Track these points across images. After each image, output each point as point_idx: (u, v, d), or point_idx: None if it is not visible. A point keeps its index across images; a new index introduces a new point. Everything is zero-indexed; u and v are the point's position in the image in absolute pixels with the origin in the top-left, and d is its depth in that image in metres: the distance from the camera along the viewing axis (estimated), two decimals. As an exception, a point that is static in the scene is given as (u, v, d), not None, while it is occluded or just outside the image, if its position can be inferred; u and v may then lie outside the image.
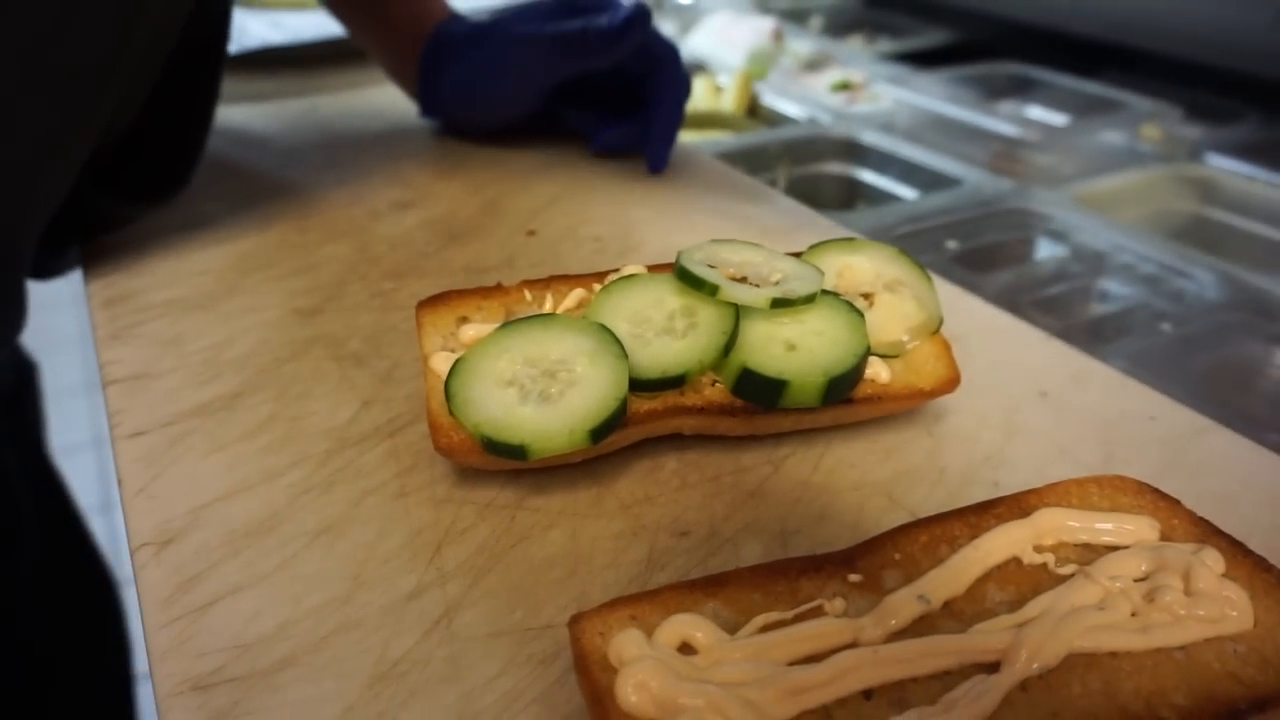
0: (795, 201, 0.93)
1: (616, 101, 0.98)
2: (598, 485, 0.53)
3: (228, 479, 0.52)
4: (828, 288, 0.58)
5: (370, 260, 0.77)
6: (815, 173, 1.32)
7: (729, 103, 1.48)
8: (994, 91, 1.49)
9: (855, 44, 1.84)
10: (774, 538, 0.50)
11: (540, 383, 0.50)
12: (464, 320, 0.57)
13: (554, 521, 0.50)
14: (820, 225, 0.87)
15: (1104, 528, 0.45)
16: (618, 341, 0.52)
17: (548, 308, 0.57)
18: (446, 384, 0.50)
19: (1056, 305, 0.91)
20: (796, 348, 0.53)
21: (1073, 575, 0.42)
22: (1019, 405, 0.61)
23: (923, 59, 1.71)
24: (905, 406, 0.57)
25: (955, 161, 1.19)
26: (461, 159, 0.98)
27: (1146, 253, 0.97)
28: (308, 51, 1.26)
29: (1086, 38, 1.57)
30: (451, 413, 0.49)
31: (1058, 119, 1.41)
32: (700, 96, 1.51)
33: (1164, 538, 0.45)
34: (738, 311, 0.54)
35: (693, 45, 1.73)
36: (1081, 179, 1.17)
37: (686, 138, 1.36)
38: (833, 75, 1.60)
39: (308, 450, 0.54)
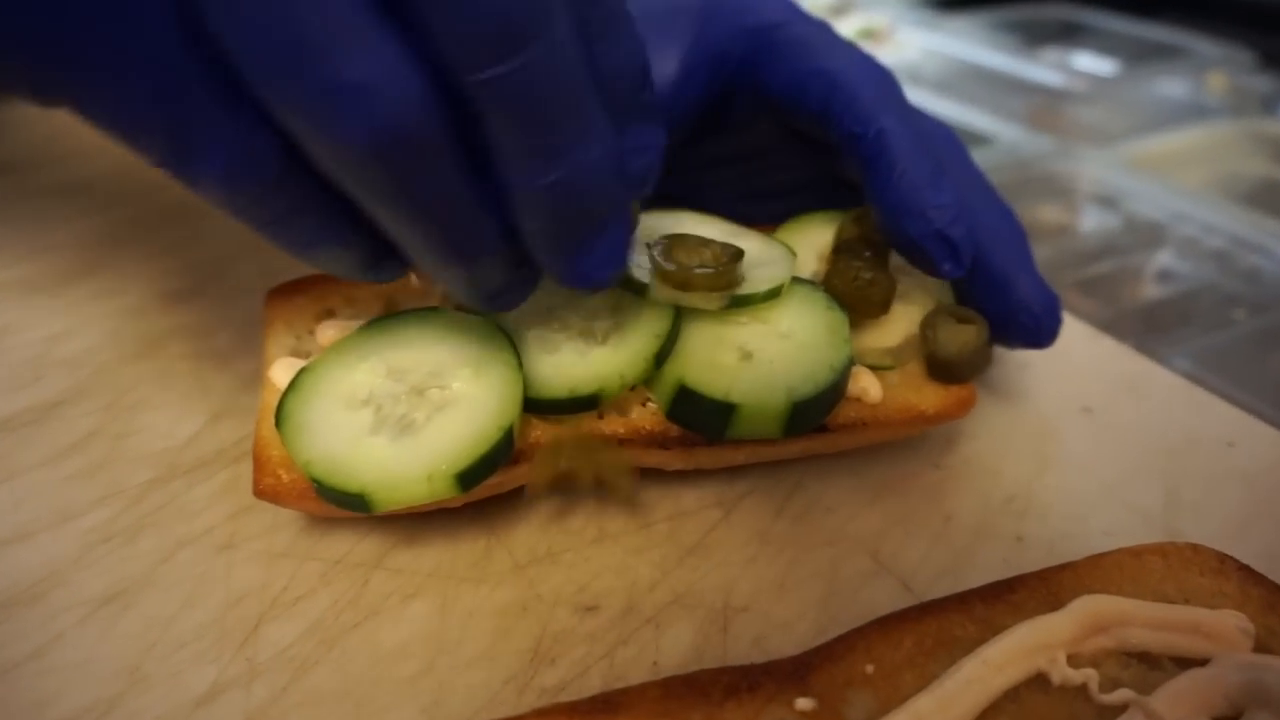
0: (792, 161, 0.78)
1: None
2: (487, 534, 0.40)
3: (7, 521, 0.40)
4: (804, 275, 0.44)
5: (270, 231, 0.64)
6: (830, 130, 1.16)
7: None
8: (1036, 37, 1.32)
9: (882, -14, 1.67)
10: (712, 617, 0.37)
11: (404, 404, 0.37)
12: (328, 315, 0.44)
13: (420, 587, 0.38)
14: (820, 190, 0.73)
15: (1170, 630, 0.31)
16: (511, 346, 0.39)
17: (438, 298, 0.44)
18: (280, 403, 0.38)
19: (1103, 287, 0.76)
20: (753, 356, 0.39)
21: (1127, 709, 0.29)
22: (1054, 426, 0.47)
23: (959, 3, 1.53)
24: (898, 435, 0.44)
25: (988, 116, 1.03)
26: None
27: (1213, 222, 0.81)
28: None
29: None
30: (284, 443, 0.37)
31: (1108, 67, 1.24)
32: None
33: (1259, 646, 0.31)
34: (678, 310, 0.40)
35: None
36: (1135, 136, 1.01)
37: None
38: (855, 22, 1.44)
39: (123, 481, 0.42)
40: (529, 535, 0.40)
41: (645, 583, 0.38)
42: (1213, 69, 1.15)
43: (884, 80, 0.45)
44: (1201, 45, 1.21)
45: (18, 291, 0.56)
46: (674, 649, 0.35)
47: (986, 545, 0.40)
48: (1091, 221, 0.87)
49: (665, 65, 0.46)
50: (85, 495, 0.42)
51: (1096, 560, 0.34)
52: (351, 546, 0.39)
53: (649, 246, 0.41)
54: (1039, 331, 0.43)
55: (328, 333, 0.42)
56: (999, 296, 0.43)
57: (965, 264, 0.41)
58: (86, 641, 0.35)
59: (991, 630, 0.32)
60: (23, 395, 0.48)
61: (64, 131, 0.78)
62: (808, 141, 0.48)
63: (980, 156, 0.95)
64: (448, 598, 0.37)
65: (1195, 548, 0.34)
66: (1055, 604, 0.32)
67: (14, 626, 0.35)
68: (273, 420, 0.37)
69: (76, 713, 0.32)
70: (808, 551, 0.40)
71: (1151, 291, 0.77)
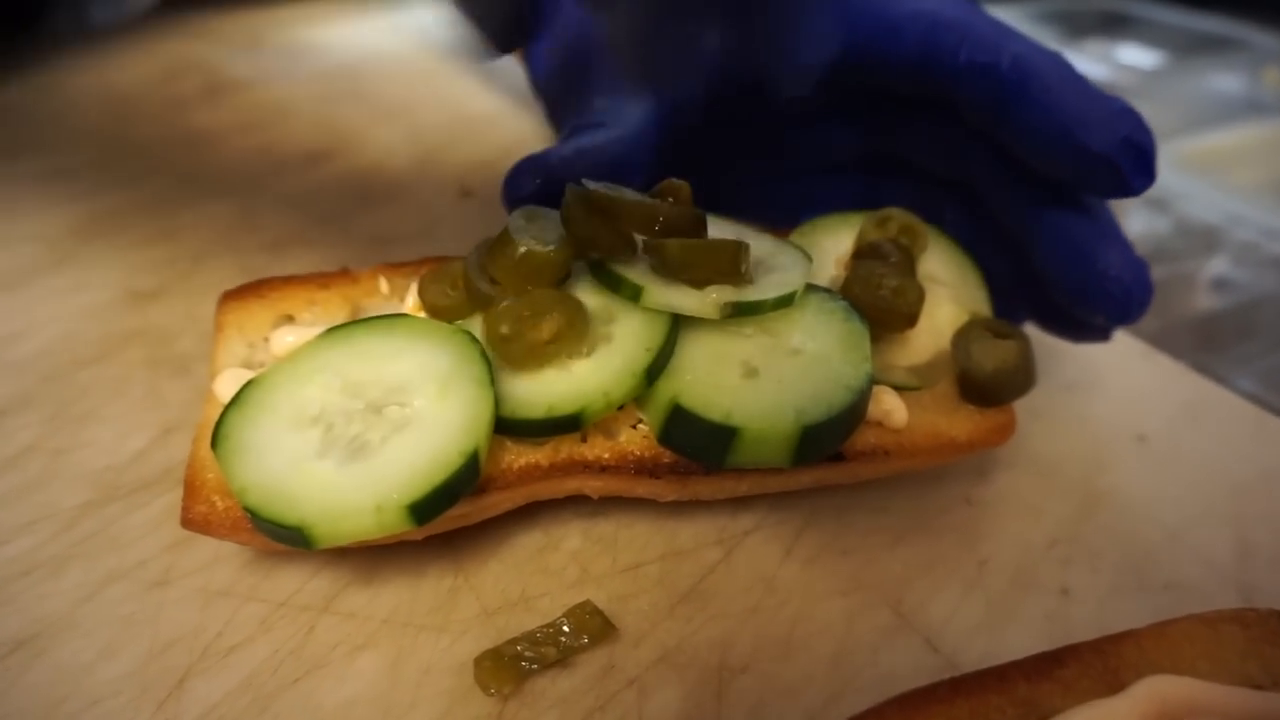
0: (815, 157, 0.73)
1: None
2: (455, 573, 0.36)
3: (-77, 548, 0.36)
4: (821, 282, 0.39)
5: (250, 227, 0.60)
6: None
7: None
8: (1078, 29, 1.25)
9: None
10: (705, 679, 0.32)
11: (359, 422, 0.33)
12: (287, 320, 0.40)
13: (372, 637, 0.33)
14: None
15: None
16: (485, 360, 0.34)
17: (409, 305, 0.39)
18: (220, 419, 0.33)
19: (1154, 296, 0.70)
20: (759, 374, 0.34)
21: (1204, 826, 0.24)
22: (1105, 456, 0.42)
23: (994, -6, 1.47)
24: (926, 465, 0.38)
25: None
26: (405, 100, 0.80)
27: (1274, 226, 0.75)
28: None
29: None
30: (219, 465, 0.32)
31: (1155, 60, 1.17)
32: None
33: (1368, 746, 0.26)
34: (675, 319, 0.35)
35: None
36: (1186, 134, 0.94)
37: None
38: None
39: (56, 504, 0.38)
40: (501, 575, 0.35)
41: (632, 634, 0.33)
42: (1270, 62, 1.08)
43: (989, 15, 0.40)
44: (1257, 37, 1.13)
45: (-27, 288, 0.52)
46: (660, 716, 0.30)
47: (1027, 598, 0.35)
48: (1139, 225, 0.81)
49: None
50: (11, 519, 0.37)
51: (1162, 629, 0.29)
52: (300, 585, 0.35)
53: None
54: (1127, 303, 0.38)
55: (283, 341, 0.38)
56: (1081, 262, 0.38)
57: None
58: (-13, 694, 0.31)
59: (1036, 714, 0.27)
60: (-40, 403, 0.44)
61: (50, 119, 0.75)
62: (852, 115, 0.44)
63: (1018, 153, 0.89)
64: (402, 650, 0.33)
65: (1281, 616, 0.29)
66: (1114, 684, 0.27)
67: (-92, 674, 0.31)
68: (210, 440, 0.33)
69: (-37, 782, 0.28)
70: (819, 602, 0.35)
71: (1207, 302, 0.71)
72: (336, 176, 0.67)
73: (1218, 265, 0.74)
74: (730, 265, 0.35)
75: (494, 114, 0.78)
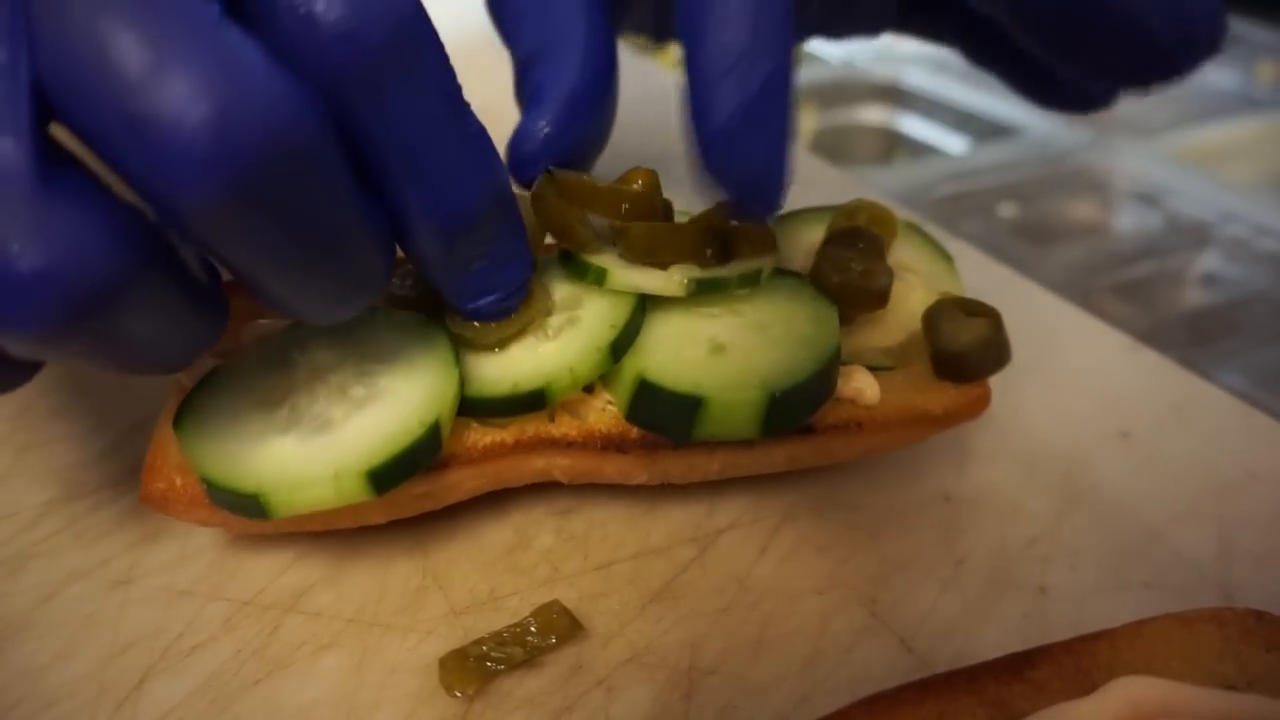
0: (805, 152, 0.72)
1: None
2: (423, 572, 0.35)
3: (-119, 546, 0.35)
4: (795, 268, 0.39)
5: (228, 221, 0.59)
6: (847, 121, 1.10)
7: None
8: (1072, 24, 1.25)
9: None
10: (674, 680, 0.31)
11: (322, 402, 0.32)
12: (259, 314, 0.39)
13: (337, 636, 0.32)
14: (834, 182, 0.67)
15: (1232, 723, 0.25)
16: (448, 341, 0.33)
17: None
18: (185, 399, 0.33)
19: (1142, 292, 0.70)
20: (726, 349, 0.34)
21: (1175, 831, 0.23)
22: (1087, 453, 0.41)
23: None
24: (901, 441, 0.38)
25: (1017, 106, 0.96)
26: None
27: (1264, 222, 0.74)
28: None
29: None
30: (179, 441, 0.32)
31: (1150, 56, 1.16)
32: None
33: (1344, 749, 0.25)
34: (642, 299, 0.35)
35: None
36: (1178, 129, 0.94)
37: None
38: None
39: (19, 501, 0.37)
40: (470, 574, 0.35)
41: (601, 634, 0.33)
42: (1263, 58, 1.08)
43: None
44: (1250, 32, 1.13)
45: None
46: (628, 717, 0.30)
47: (1003, 597, 0.34)
48: (1129, 220, 0.80)
49: None
50: (-27, 517, 0.37)
51: (1137, 629, 0.28)
52: (266, 584, 0.34)
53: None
54: (1192, 42, 0.30)
55: (252, 334, 0.37)
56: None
57: None
58: (-59, 696, 0.30)
59: (1006, 716, 0.26)
60: (-74, 400, 0.43)
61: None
62: None
63: (1007, 149, 0.88)
64: (368, 650, 0.32)
65: (1260, 615, 0.28)
66: (1086, 685, 0.27)
67: None
68: (172, 421, 0.32)
69: (-88, 786, 0.28)
70: (792, 601, 0.34)
71: (1196, 298, 0.70)
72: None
73: (1208, 261, 0.73)
74: (694, 249, 0.35)
75: (492, 108, 0.77)
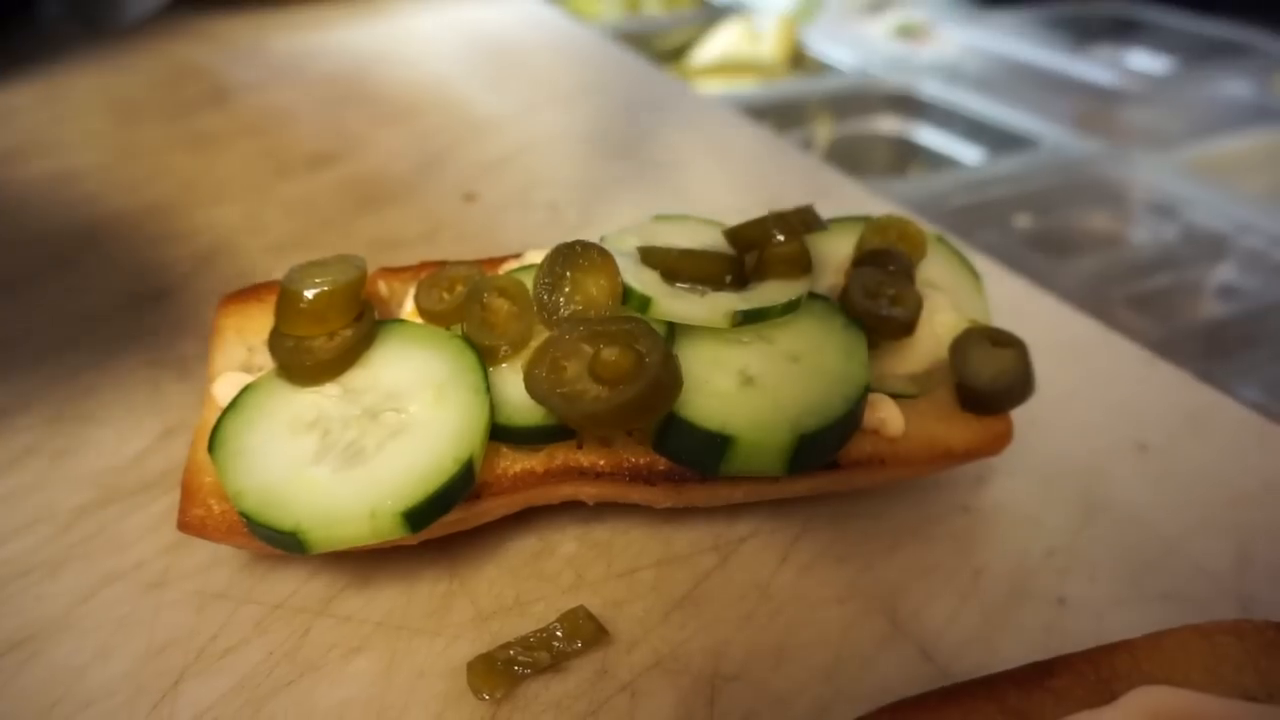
0: (820, 162, 0.73)
1: None
2: (450, 577, 0.36)
3: (-77, 548, 0.36)
4: (821, 288, 0.39)
5: (255, 229, 0.60)
6: (863, 130, 1.10)
7: (768, 50, 1.27)
8: (1087, 34, 1.25)
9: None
10: (697, 687, 0.32)
11: (355, 428, 0.33)
12: (286, 324, 0.40)
13: (367, 640, 0.33)
14: (848, 193, 0.67)
15: (1251, 735, 0.26)
16: (481, 368, 0.34)
17: (407, 310, 0.39)
18: (217, 424, 0.33)
19: (1158, 303, 0.70)
20: (755, 382, 0.34)
21: (1195, 840, 0.24)
22: (1105, 466, 0.42)
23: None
24: (921, 474, 0.38)
25: (1033, 117, 0.97)
26: (411, 103, 0.80)
27: (1282, 235, 0.74)
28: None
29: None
30: (216, 470, 0.32)
31: (1164, 66, 1.17)
32: (734, 43, 1.31)
33: (1363, 761, 0.25)
34: (671, 326, 0.35)
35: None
36: (1194, 140, 0.94)
37: (707, 85, 1.16)
38: (894, 18, 1.38)
39: (55, 505, 0.38)
40: (497, 580, 0.35)
41: (625, 639, 0.33)
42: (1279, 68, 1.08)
43: None
44: (1267, 43, 1.13)
45: (-23, 290, 0.53)
46: (651, 724, 0.30)
47: (1023, 608, 0.35)
48: (1145, 231, 0.81)
49: None
50: (10, 520, 0.38)
51: (1157, 640, 0.28)
52: (296, 588, 0.35)
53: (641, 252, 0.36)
54: None
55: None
56: None
57: None
58: (-17, 694, 0.31)
59: (1027, 725, 0.26)
60: (-36, 404, 0.44)
61: (58, 122, 0.76)
62: None
63: (1022, 160, 0.89)
64: (397, 653, 0.33)
65: (1279, 628, 0.29)
66: (1106, 694, 0.27)
67: (-94, 674, 0.31)
68: (207, 444, 0.33)
69: (-43, 782, 0.28)
70: (814, 609, 0.35)
71: (1212, 309, 0.71)
72: (340, 180, 0.67)
73: (1224, 272, 0.73)
74: (716, 275, 0.35)
75: (498, 118, 0.78)
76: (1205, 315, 0.69)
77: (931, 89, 1.07)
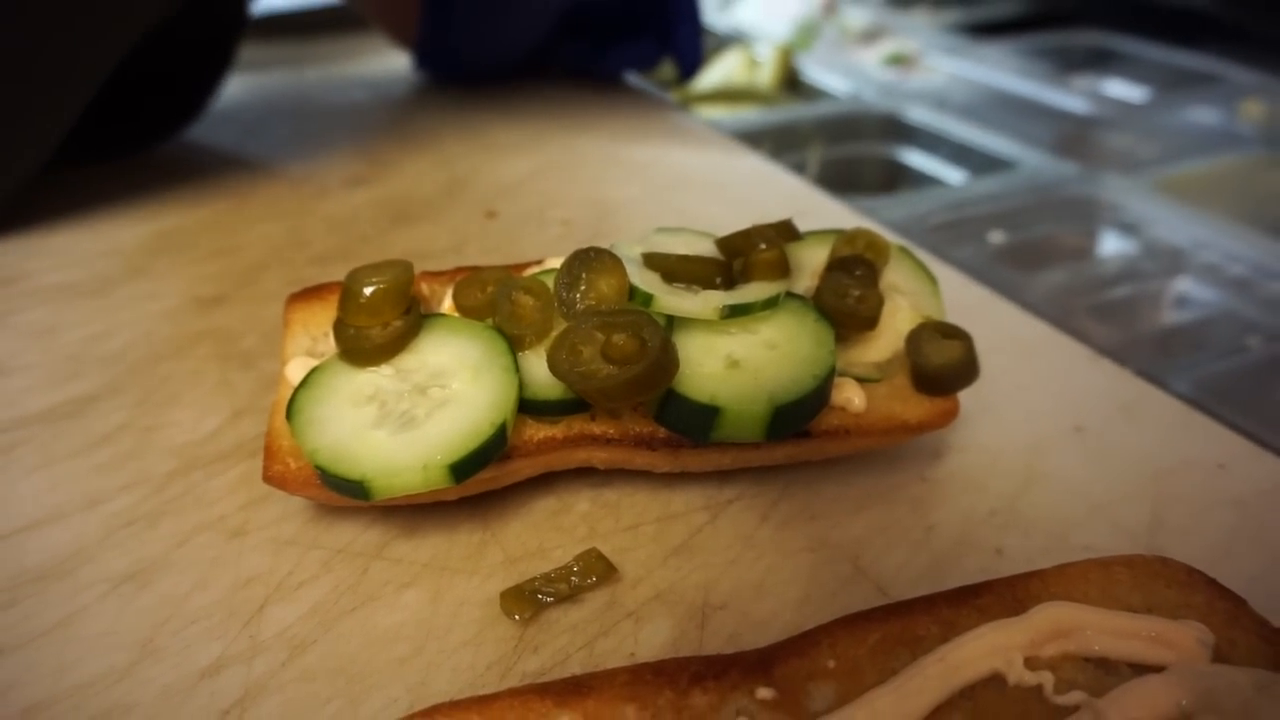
0: (807, 183, 0.80)
1: (616, 27, 0.95)
2: (483, 529, 0.42)
3: (42, 503, 0.43)
4: (800, 289, 0.46)
5: (300, 243, 0.67)
6: (853, 153, 1.18)
7: (766, 77, 1.35)
8: (1067, 64, 1.33)
9: (919, 14, 1.69)
10: (690, 614, 0.38)
11: (407, 400, 0.40)
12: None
13: (415, 577, 0.40)
14: (830, 211, 0.74)
15: (1130, 637, 0.32)
16: (510, 352, 0.41)
17: (446, 306, 0.46)
18: (292, 397, 0.40)
19: (1119, 312, 0.76)
20: (739, 365, 0.41)
21: (1078, 710, 0.30)
22: (1045, 444, 0.48)
23: (992, 30, 1.54)
24: (882, 444, 0.45)
25: (1012, 141, 1.04)
26: (435, 130, 0.88)
27: (1236, 250, 0.81)
28: (306, 18, 1.18)
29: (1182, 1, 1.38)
30: (293, 433, 0.39)
31: (1140, 94, 1.24)
32: (734, 70, 1.39)
33: (1219, 657, 0.32)
34: (670, 318, 0.42)
35: (738, 17, 1.61)
36: (1163, 163, 1.01)
37: (707, 112, 1.24)
38: (885, 48, 1.46)
39: (149, 470, 0.45)
40: (523, 531, 0.42)
41: (630, 578, 0.40)
42: (1248, 96, 1.15)
43: None
44: (1237, 73, 1.20)
45: (66, 294, 0.60)
46: (651, 641, 0.37)
47: (966, 556, 0.41)
48: (1111, 247, 0.87)
49: None
50: (112, 482, 0.44)
51: (1063, 569, 0.35)
52: (354, 537, 0.42)
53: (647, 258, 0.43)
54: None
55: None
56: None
57: None
58: (107, 615, 0.38)
59: (954, 631, 0.33)
60: (62, 390, 0.51)
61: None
62: None
63: (1000, 180, 0.96)
64: (441, 587, 0.39)
65: (1164, 560, 0.35)
66: (1019, 609, 0.33)
67: (44, 599, 0.38)
68: (284, 413, 0.40)
69: (94, 678, 0.35)
70: (789, 556, 0.41)
71: (1167, 317, 0.77)
72: (374, 200, 0.75)
73: (1181, 284, 0.80)
74: (707, 277, 0.42)
75: (515, 143, 0.86)
76: (1160, 322, 0.76)
77: (919, 115, 1.15)
